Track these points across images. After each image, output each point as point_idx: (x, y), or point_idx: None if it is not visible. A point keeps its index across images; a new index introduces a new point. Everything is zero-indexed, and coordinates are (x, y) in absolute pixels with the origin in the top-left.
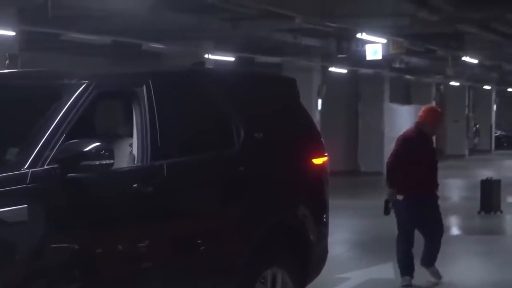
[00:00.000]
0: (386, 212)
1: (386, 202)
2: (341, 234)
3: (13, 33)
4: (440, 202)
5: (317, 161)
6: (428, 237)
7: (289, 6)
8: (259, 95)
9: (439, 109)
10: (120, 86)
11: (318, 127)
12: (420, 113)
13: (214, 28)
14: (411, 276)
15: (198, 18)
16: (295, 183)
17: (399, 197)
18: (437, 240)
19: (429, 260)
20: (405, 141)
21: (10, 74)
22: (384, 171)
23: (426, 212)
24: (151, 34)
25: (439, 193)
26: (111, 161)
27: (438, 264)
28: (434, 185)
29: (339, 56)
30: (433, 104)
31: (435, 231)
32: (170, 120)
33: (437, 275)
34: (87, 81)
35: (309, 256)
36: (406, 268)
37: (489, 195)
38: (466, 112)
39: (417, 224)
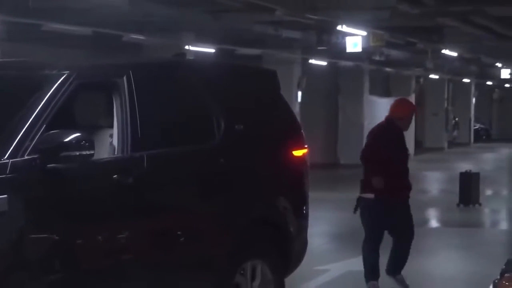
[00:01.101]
0: (355, 210)
1: (358, 200)
2: (320, 226)
3: None
4: (418, 195)
5: (297, 153)
6: (397, 240)
7: None
8: (240, 87)
9: (411, 102)
10: (101, 77)
11: (298, 119)
12: (391, 106)
13: (195, 20)
14: (377, 281)
15: (179, 10)
16: (276, 175)
17: (369, 195)
18: (406, 246)
19: (395, 266)
20: (375, 135)
21: None
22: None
23: (396, 215)
24: (132, 25)
25: (415, 187)
26: (92, 152)
27: (416, 257)
28: (406, 186)
29: (320, 48)
30: (412, 96)
31: (404, 236)
32: (150, 111)
33: (403, 283)
34: (67, 72)
35: (289, 248)
36: (372, 271)
37: (468, 188)
38: (446, 105)
39: (386, 226)
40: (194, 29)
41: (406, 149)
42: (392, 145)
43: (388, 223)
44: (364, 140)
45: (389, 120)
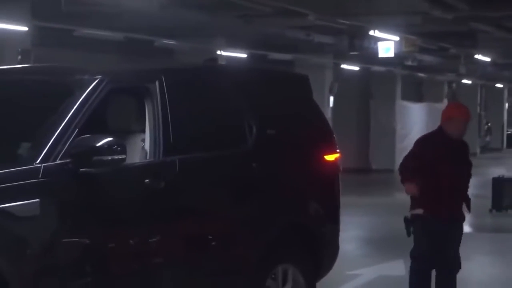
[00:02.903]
0: (408, 233)
1: (406, 220)
2: (352, 231)
3: (26, 28)
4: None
5: (329, 158)
6: (443, 269)
7: (302, 3)
8: (272, 91)
9: (464, 105)
10: (133, 82)
11: (330, 124)
12: (443, 112)
13: (226, 24)
14: None
15: (210, 15)
16: (308, 180)
17: (418, 211)
18: (454, 274)
19: None
20: (422, 145)
21: (23, 69)
22: (395, 168)
23: (445, 237)
24: (164, 30)
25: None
26: (123, 156)
27: None
28: (459, 204)
29: (351, 53)
30: (445, 102)
31: (449, 267)
32: (182, 116)
33: None
34: (99, 77)
35: (320, 253)
36: None
37: (500, 193)
38: (478, 110)
39: (434, 250)
40: (225, 34)
41: (460, 161)
42: (440, 156)
43: (437, 246)
44: (396, 146)
45: (438, 128)
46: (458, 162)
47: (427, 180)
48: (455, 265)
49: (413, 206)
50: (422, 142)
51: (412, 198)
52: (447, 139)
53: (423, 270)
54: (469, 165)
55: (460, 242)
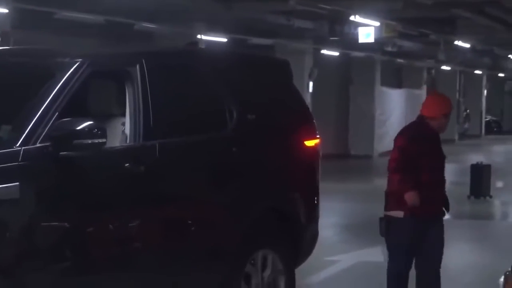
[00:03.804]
0: (381, 232)
1: (382, 220)
2: (330, 217)
3: (5, 11)
4: None
5: (309, 143)
6: (425, 267)
7: None
8: (252, 76)
9: (446, 98)
10: (113, 65)
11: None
12: (424, 102)
13: (207, 9)
14: None
15: None
16: (287, 165)
17: (398, 213)
18: (437, 271)
19: None
20: (409, 138)
21: (3, 51)
22: (374, 154)
23: (427, 240)
24: (144, 14)
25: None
26: (104, 140)
27: None
28: (441, 199)
29: (332, 38)
30: (424, 88)
31: (432, 263)
32: (163, 100)
33: None
34: (80, 60)
35: (299, 238)
36: None
37: (479, 180)
38: (457, 97)
39: (415, 250)
40: (206, 18)
41: (442, 155)
42: (425, 150)
43: (416, 246)
44: (375, 131)
45: (420, 118)
46: (439, 155)
47: (409, 176)
48: (439, 264)
49: (389, 205)
50: (405, 136)
51: (387, 196)
52: (431, 132)
53: (402, 273)
54: (444, 158)
55: (442, 238)
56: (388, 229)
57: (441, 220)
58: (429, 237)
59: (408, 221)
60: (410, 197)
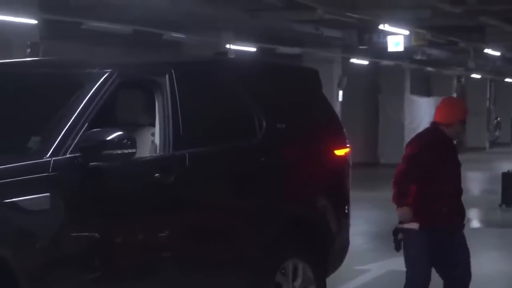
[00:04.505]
0: (397, 246)
1: (396, 233)
2: (361, 225)
3: (34, 21)
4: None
5: (339, 152)
6: (450, 282)
7: None
8: (282, 85)
9: (460, 102)
10: (143, 75)
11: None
12: (437, 108)
13: (234, 18)
14: None
15: (218, 8)
16: (317, 174)
17: (413, 225)
18: (465, 279)
19: None
20: (422, 147)
21: (33, 62)
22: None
23: (449, 248)
24: (172, 23)
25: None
26: (133, 150)
27: None
28: (459, 211)
29: (361, 47)
30: (454, 96)
31: (460, 275)
32: (192, 109)
33: None
34: (109, 70)
35: (330, 247)
36: None
37: (510, 188)
38: (487, 104)
39: (435, 264)
40: (234, 28)
41: (457, 164)
42: (442, 158)
43: (436, 259)
44: (405, 140)
45: (434, 125)
46: (456, 164)
47: (425, 187)
48: (467, 271)
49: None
50: (417, 144)
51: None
52: (447, 139)
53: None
54: (460, 166)
55: (467, 252)
56: (405, 242)
57: (462, 232)
58: (451, 247)
59: (424, 233)
60: (401, 212)
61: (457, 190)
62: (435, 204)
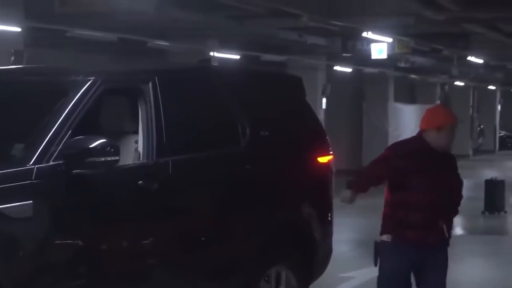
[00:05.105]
0: (375, 260)
1: (375, 246)
2: (345, 233)
3: (18, 29)
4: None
5: (323, 159)
6: None
7: (295, 4)
8: (265, 93)
9: (441, 107)
10: (126, 83)
11: (323, 125)
12: (424, 120)
13: (219, 25)
14: None
15: (203, 16)
16: (301, 181)
17: (386, 237)
18: None
19: None
20: (396, 152)
21: (16, 70)
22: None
23: (419, 271)
24: (157, 31)
25: None
26: (117, 158)
27: None
28: (436, 227)
29: (344, 55)
30: (437, 103)
31: None
32: (175, 117)
33: None
34: (93, 78)
35: (313, 254)
36: None
37: (493, 195)
38: (471, 112)
39: (407, 280)
40: (219, 35)
41: (438, 176)
42: (414, 167)
43: (416, 275)
44: None
45: (418, 133)
46: (435, 175)
47: (393, 194)
48: None
49: (381, 228)
50: (393, 149)
51: (383, 219)
52: (427, 148)
53: None
54: (455, 180)
55: (444, 274)
56: (380, 256)
57: (438, 255)
58: (421, 269)
59: (396, 248)
60: (343, 193)
61: (432, 204)
62: (400, 214)
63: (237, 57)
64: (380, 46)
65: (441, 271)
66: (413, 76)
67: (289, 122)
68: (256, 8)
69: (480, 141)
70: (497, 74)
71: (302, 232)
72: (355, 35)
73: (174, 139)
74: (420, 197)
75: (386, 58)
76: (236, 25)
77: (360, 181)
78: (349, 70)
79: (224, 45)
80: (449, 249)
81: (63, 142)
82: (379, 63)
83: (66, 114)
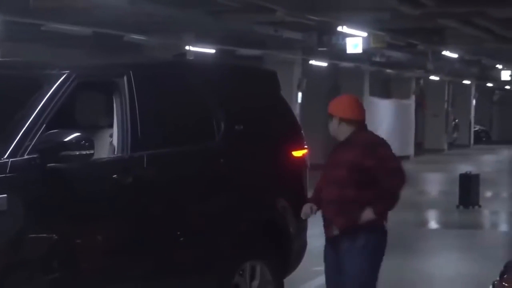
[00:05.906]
0: None
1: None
2: (318, 227)
3: None
4: (418, 196)
5: (297, 154)
6: None
7: None
8: (240, 87)
9: (338, 97)
10: (101, 77)
11: (298, 120)
12: None
13: (195, 20)
14: None
15: (179, 10)
16: (275, 176)
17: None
18: None
19: None
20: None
21: None
22: None
23: (336, 265)
24: (133, 25)
25: (415, 189)
26: (91, 152)
27: (415, 258)
28: (337, 218)
29: (320, 49)
30: (413, 98)
31: None
32: (150, 111)
33: None
34: (68, 71)
35: (288, 249)
36: None
37: (467, 190)
38: (446, 106)
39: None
40: (194, 30)
41: (341, 168)
42: (327, 162)
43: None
44: None
45: None
46: (335, 166)
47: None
48: None
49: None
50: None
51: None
52: (343, 141)
53: None
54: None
55: (359, 274)
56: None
57: (347, 247)
58: (336, 263)
59: (326, 242)
60: (303, 209)
61: (338, 198)
62: (321, 209)
63: (213, 51)
64: (355, 41)
65: (349, 264)
66: (388, 70)
67: (264, 117)
68: (232, 2)
69: (455, 135)
70: (472, 69)
71: (276, 226)
72: (330, 29)
73: (149, 133)
74: (326, 192)
75: (362, 53)
76: (212, 20)
77: (314, 196)
78: (324, 64)
79: (200, 39)
80: (422, 243)
81: (37, 136)
82: (354, 57)
83: (40, 107)
